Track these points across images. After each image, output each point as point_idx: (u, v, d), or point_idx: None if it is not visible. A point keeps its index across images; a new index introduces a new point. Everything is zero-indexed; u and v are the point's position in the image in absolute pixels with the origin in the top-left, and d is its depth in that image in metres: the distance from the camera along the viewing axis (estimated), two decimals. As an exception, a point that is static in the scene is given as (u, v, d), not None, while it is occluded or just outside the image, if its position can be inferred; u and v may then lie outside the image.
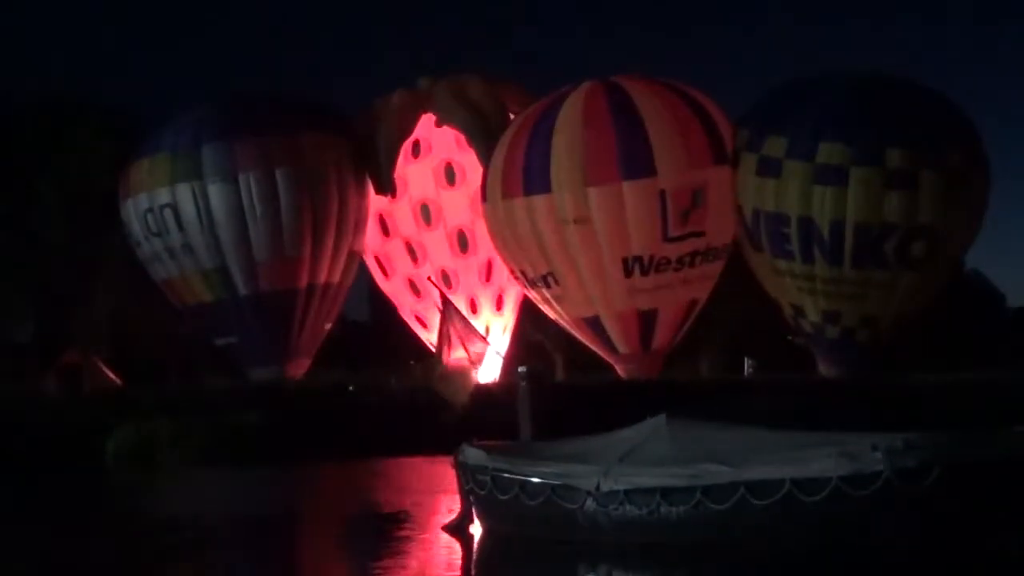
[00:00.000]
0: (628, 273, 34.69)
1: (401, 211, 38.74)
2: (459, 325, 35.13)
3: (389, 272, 39.66)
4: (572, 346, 39.06)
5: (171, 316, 40.53)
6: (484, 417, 29.43)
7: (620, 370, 36.52)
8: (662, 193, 34.25)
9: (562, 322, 37.01)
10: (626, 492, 14.10)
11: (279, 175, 37.30)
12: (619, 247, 34.44)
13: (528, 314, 39.15)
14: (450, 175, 38.34)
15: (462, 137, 37.89)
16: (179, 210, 37.35)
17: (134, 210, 38.30)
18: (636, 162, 34.25)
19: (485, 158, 36.65)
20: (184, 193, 37.28)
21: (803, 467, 13.39)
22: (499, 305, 38.76)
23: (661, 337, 35.89)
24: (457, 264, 38.31)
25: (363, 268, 40.05)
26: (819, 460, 13.37)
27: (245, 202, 37.16)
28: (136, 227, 38.40)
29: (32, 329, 43.82)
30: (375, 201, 38.94)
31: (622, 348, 36.00)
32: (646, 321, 35.50)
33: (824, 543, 13.41)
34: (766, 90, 36.41)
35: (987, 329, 44.39)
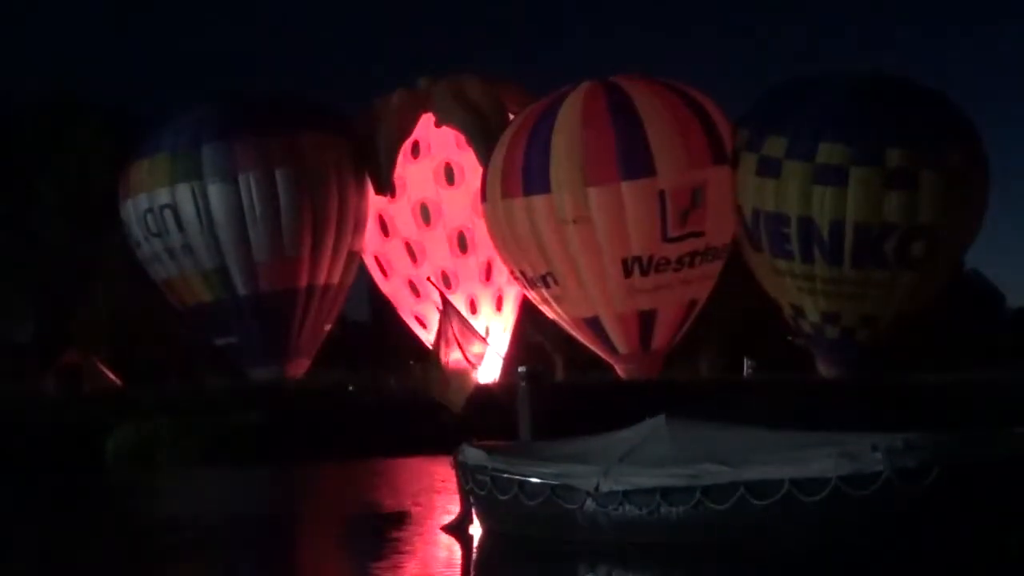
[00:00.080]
0: (628, 273, 34.69)
1: (401, 211, 38.74)
2: (458, 326, 35.12)
3: (389, 272, 39.66)
4: (572, 346, 39.06)
5: (171, 316, 40.53)
6: (484, 417, 29.45)
7: (620, 370, 36.53)
8: (661, 193, 34.26)
9: (561, 322, 37.02)
10: (626, 492, 14.10)
11: (279, 175, 37.30)
12: (619, 247, 34.45)
13: (528, 314, 39.15)
14: (449, 175, 38.34)
15: (461, 137, 37.89)
16: (179, 210, 37.35)
17: (134, 210, 38.31)
18: (635, 162, 34.26)
19: (484, 158, 36.65)
20: (184, 193, 37.28)
21: (803, 467, 13.39)
22: (499, 305, 38.76)
23: (661, 337, 35.89)
24: (457, 264, 38.30)
25: (363, 268, 40.06)
26: (819, 460, 13.37)
27: (245, 202, 37.16)
28: (136, 227, 38.40)
29: (32, 329, 43.83)
30: (375, 201, 38.94)
31: (622, 348, 36.01)
32: (646, 321, 35.51)
33: (824, 543, 13.41)
34: (766, 90, 36.42)
35: (987, 329, 44.39)
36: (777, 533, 13.47)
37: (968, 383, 31.86)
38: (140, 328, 42.82)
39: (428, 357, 35.81)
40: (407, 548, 15.66)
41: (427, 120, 38.56)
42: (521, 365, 30.86)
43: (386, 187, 38.44)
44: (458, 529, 16.02)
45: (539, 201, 34.72)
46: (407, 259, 38.90)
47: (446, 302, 35.94)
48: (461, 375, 34.03)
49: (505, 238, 35.93)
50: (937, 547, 13.32)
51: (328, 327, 39.46)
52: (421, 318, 39.05)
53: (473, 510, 15.89)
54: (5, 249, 42.53)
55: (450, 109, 38.03)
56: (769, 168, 33.79)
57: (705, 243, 35.02)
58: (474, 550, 15.40)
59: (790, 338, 37.12)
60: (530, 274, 35.84)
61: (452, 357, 34.68)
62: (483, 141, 37.08)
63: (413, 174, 38.53)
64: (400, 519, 18.25)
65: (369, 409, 32.05)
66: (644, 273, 34.68)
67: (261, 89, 41.17)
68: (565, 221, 34.50)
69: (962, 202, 33.84)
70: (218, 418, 31.20)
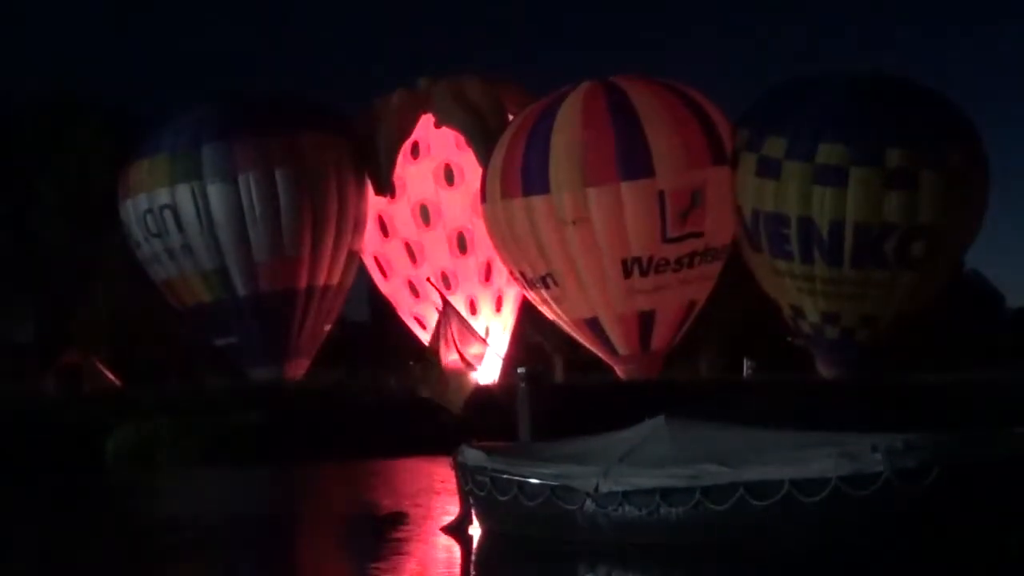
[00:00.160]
0: (627, 274, 34.69)
1: (400, 212, 38.74)
2: (457, 327, 35.10)
3: (388, 273, 39.66)
4: (571, 347, 39.06)
5: (171, 316, 40.52)
6: (483, 418, 29.44)
7: (619, 371, 36.52)
8: (661, 194, 34.25)
9: (561, 323, 37.01)
10: (625, 493, 14.10)
11: (278, 175, 37.30)
12: (618, 248, 34.45)
13: (527, 315, 39.14)
14: (449, 176, 38.34)
15: (461, 138, 37.89)
16: (178, 211, 37.34)
17: (133, 211, 38.31)
18: (635, 162, 34.26)
19: (484, 159, 36.65)
20: (183, 194, 37.28)
21: (803, 467, 13.39)
22: (498, 306, 38.76)
23: (660, 338, 35.89)
24: (456, 265, 38.30)
25: (362, 269, 40.06)
26: (819, 460, 13.38)
27: (244, 203, 37.16)
28: (136, 228, 38.41)
29: (32, 329, 43.82)
30: (374, 202, 38.94)
31: (621, 349, 36.00)
32: (645, 322, 35.50)
33: (824, 543, 13.41)
34: (765, 90, 36.41)
35: (987, 329, 44.40)
36: (777, 533, 13.47)
37: (968, 383, 31.85)
38: (140, 328, 42.82)
39: (425, 356, 35.78)
40: (406, 549, 15.66)
41: (427, 120, 38.56)
42: (521, 366, 30.87)
43: (386, 187, 38.44)
44: (458, 530, 16.02)
45: (538, 201, 34.72)
46: (407, 259, 38.90)
47: (446, 303, 35.92)
48: (460, 376, 34.00)
49: (504, 239, 35.93)
50: (937, 547, 13.33)
51: (328, 327, 39.45)
52: (420, 319, 39.04)
53: (473, 511, 15.89)
54: (5, 249, 42.54)
55: (450, 109, 38.03)
56: (769, 168, 33.79)
57: (705, 244, 35.01)
58: (474, 551, 15.40)
59: (790, 338, 37.12)
60: (529, 275, 35.84)
61: (451, 358, 34.65)
62: (483, 141, 37.08)
63: (413, 174, 38.54)
64: (399, 520, 18.25)
65: (369, 409, 32.05)
66: (644, 274, 34.68)
67: (261, 89, 41.22)
68: (564, 222, 34.50)
69: (962, 202, 33.83)
70: (218, 418, 31.20)
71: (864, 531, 13.32)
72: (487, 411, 30.37)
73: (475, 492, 15.61)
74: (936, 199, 33.19)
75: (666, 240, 34.50)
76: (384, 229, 39.16)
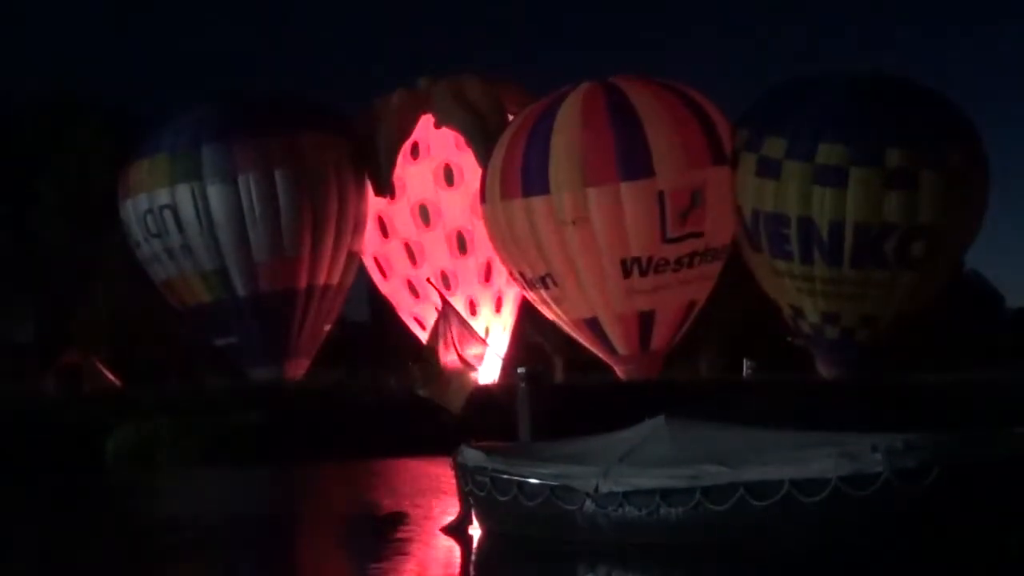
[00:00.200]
0: (627, 274, 34.69)
1: (400, 212, 38.73)
2: (456, 327, 35.07)
3: (388, 273, 39.66)
4: (571, 347, 39.04)
5: (171, 316, 40.51)
6: (483, 418, 29.42)
7: (619, 371, 36.51)
8: (660, 194, 34.25)
9: (561, 323, 37.01)
10: (625, 493, 14.10)
11: (278, 176, 37.30)
12: (618, 248, 34.44)
13: (527, 315, 39.14)
14: (449, 176, 38.33)
15: (461, 138, 37.88)
16: (178, 211, 37.34)
17: (133, 211, 38.31)
18: (634, 163, 34.26)
19: (484, 159, 36.65)
20: (183, 194, 37.28)
21: (802, 468, 13.39)
22: (498, 306, 38.75)
23: (660, 338, 35.89)
24: (456, 265, 38.29)
25: (362, 269, 40.06)
26: (819, 461, 13.38)
27: (244, 203, 37.16)
28: (135, 228, 38.41)
29: (32, 329, 43.81)
30: (374, 202, 38.94)
31: (621, 349, 36.00)
32: (645, 322, 35.50)
33: (824, 544, 13.42)
34: (765, 90, 36.41)
35: (987, 329, 44.39)
36: (777, 534, 13.47)
37: (968, 383, 31.84)
38: (140, 328, 42.81)
39: (423, 356, 35.72)
40: (406, 549, 15.66)
41: (427, 121, 38.56)
42: (520, 366, 30.83)
43: (386, 188, 38.44)
44: (458, 530, 16.02)
45: (538, 202, 34.71)
46: (406, 260, 38.89)
47: (445, 302, 35.89)
48: (460, 376, 33.97)
49: (504, 239, 35.93)
50: (937, 547, 13.33)
51: (328, 327, 39.45)
52: (420, 319, 39.02)
53: (472, 511, 15.89)
54: (5, 249, 42.52)
55: (449, 110, 38.03)
56: (769, 169, 33.79)
57: (704, 244, 35.01)
58: (473, 551, 15.41)
59: (790, 338, 37.12)
60: (529, 275, 35.84)
61: (450, 358, 34.61)
62: (482, 142, 37.08)
63: (412, 175, 38.53)
64: (399, 520, 18.25)
65: (369, 409, 32.03)
66: (643, 274, 34.67)
67: (261, 89, 41.15)
68: (564, 222, 34.50)
69: (962, 202, 33.84)
70: (218, 418, 31.19)
71: (864, 531, 13.32)
72: (487, 411, 30.31)
73: (475, 492, 15.61)
74: (936, 199, 33.19)
75: (666, 240, 34.50)
76: (384, 229, 39.15)
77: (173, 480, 28.04)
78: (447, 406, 31.77)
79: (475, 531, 15.95)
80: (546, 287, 35.65)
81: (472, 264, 38.25)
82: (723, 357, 41.17)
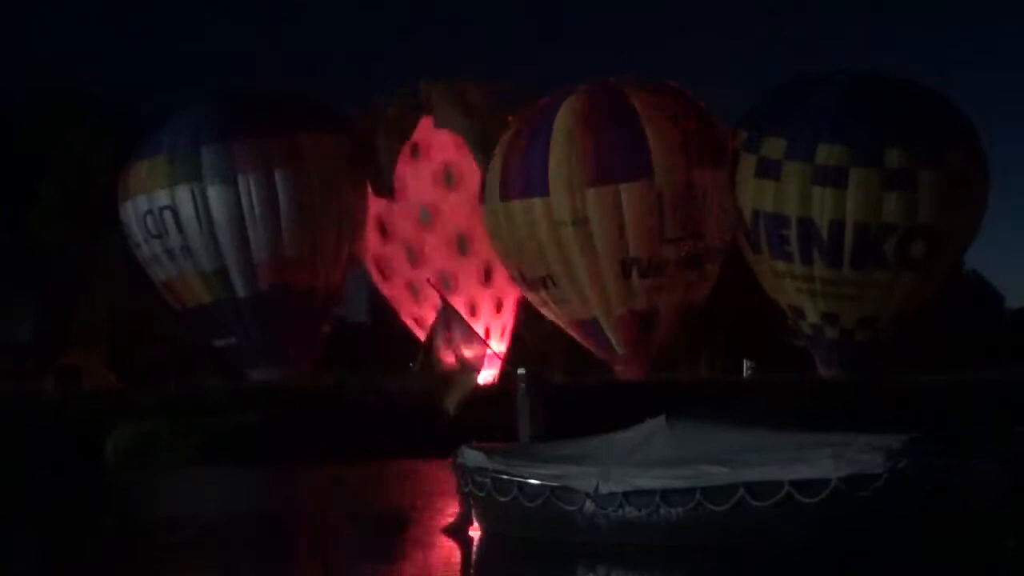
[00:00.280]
0: (626, 275, 34.70)
1: (400, 213, 38.72)
2: (457, 327, 35.11)
3: (388, 274, 39.64)
4: (571, 348, 39.03)
5: (171, 316, 40.50)
6: (483, 419, 29.42)
7: (619, 372, 36.50)
8: (660, 195, 34.27)
9: (561, 324, 37.02)
10: (625, 494, 14.11)
11: (278, 176, 37.30)
12: (617, 249, 34.45)
13: (527, 316, 39.13)
14: (449, 178, 38.32)
15: (461, 140, 37.89)
16: (178, 212, 37.34)
17: (133, 212, 38.30)
18: (634, 164, 34.27)
19: (483, 161, 36.67)
20: (183, 195, 37.28)
21: (802, 468, 13.40)
22: (498, 307, 38.73)
23: (659, 338, 35.90)
24: (456, 266, 38.27)
25: (362, 269, 40.04)
26: (818, 461, 13.38)
27: (244, 204, 37.16)
28: (135, 229, 38.40)
29: (32, 329, 43.77)
30: (374, 203, 38.93)
31: (621, 350, 36.00)
32: (645, 323, 35.51)
33: (823, 544, 13.42)
34: (765, 91, 36.44)
35: (987, 329, 44.35)
36: (777, 534, 13.47)
37: (968, 383, 31.82)
38: (140, 328, 42.76)
39: (421, 356, 35.77)
40: (406, 549, 15.68)
41: (427, 122, 38.54)
42: (520, 367, 30.83)
43: (386, 189, 38.44)
44: (458, 531, 16.01)
45: (538, 203, 34.73)
46: (406, 261, 38.87)
47: (445, 303, 35.94)
48: (460, 376, 34.01)
49: (504, 240, 35.94)
50: (936, 547, 13.33)
51: (327, 328, 39.43)
52: (420, 320, 39.03)
53: (472, 512, 15.89)
54: (5, 249, 42.49)
55: (449, 112, 38.04)
56: (768, 169, 33.80)
57: (704, 244, 35.02)
58: (473, 552, 15.41)
59: (790, 339, 37.11)
60: (529, 276, 35.85)
61: (450, 359, 34.66)
62: (481, 145, 37.10)
63: (412, 176, 38.51)
64: (399, 520, 18.25)
65: (369, 410, 32.01)
66: (643, 275, 34.68)
67: (261, 89, 41.05)
68: (564, 223, 34.51)
69: (962, 202, 33.86)
70: (217, 418, 31.17)
71: (864, 532, 13.33)
72: (487, 412, 30.35)
73: (475, 493, 15.61)
74: (936, 199, 33.21)
75: (665, 241, 34.51)
76: (384, 231, 39.13)
77: (172, 480, 28.02)
78: (447, 406, 31.86)
79: (475, 532, 15.94)
80: (546, 288, 35.66)
81: (472, 265, 38.22)
82: (723, 357, 41.14)
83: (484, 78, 39.41)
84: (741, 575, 13.59)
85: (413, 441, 29.41)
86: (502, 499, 15.10)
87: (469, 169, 37.62)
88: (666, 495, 13.89)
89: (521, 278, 36.29)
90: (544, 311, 36.96)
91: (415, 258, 38.65)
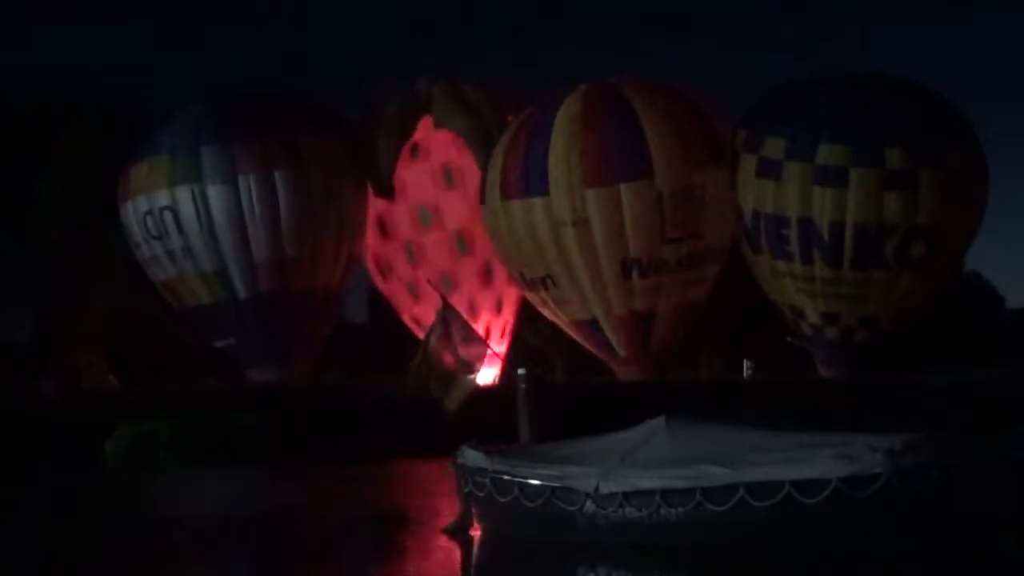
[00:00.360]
0: (626, 275, 34.70)
1: (400, 213, 38.72)
2: (457, 327, 35.07)
3: (388, 274, 39.64)
4: (571, 348, 39.05)
5: (170, 317, 40.51)
6: (483, 419, 29.41)
7: (619, 372, 36.51)
8: (660, 195, 34.27)
9: (560, 324, 37.02)
10: (625, 494, 14.10)
11: (278, 177, 37.30)
12: (617, 249, 34.46)
13: (527, 316, 39.13)
14: (449, 177, 38.32)
15: (461, 140, 37.88)
16: (178, 212, 37.35)
17: (133, 213, 38.31)
18: (634, 164, 34.28)
19: (483, 161, 36.66)
20: (183, 195, 37.28)
21: (802, 468, 13.39)
22: (498, 307, 38.74)
23: (659, 339, 35.89)
24: (456, 266, 38.27)
25: (362, 270, 40.04)
26: (819, 461, 13.38)
27: (244, 204, 37.16)
28: (135, 230, 38.40)
29: (32, 329, 43.78)
30: (374, 203, 38.93)
31: (621, 350, 36.00)
32: (644, 323, 35.51)
33: (824, 545, 13.41)
34: (765, 90, 36.43)
35: (987, 329, 44.37)
36: (777, 534, 13.47)
37: (968, 383, 31.85)
38: (140, 328, 42.79)
39: (419, 357, 35.73)
40: (407, 549, 15.66)
41: (427, 122, 38.55)
42: (520, 367, 30.83)
43: (385, 189, 38.44)
44: (458, 531, 16.00)
45: (538, 203, 34.74)
46: (406, 261, 38.87)
47: (445, 303, 35.89)
48: (460, 376, 33.97)
49: (504, 240, 35.94)
50: (937, 548, 13.32)
51: (327, 329, 39.43)
52: (420, 320, 39.00)
53: (473, 512, 15.88)
54: (5, 249, 42.49)
55: (449, 112, 38.05)
56: (769, 169, 33.79)
57: (704, 245, 35.02)
58: (473, 552, 15.40)
59: (789, 340, 37.11)
60: (529, 276, 35.84)
61: (451, 359, 34.60)
62: (481, 144, 37.09)
63: (412, 176, 38.52)
64: (400, 521, 18.24)
65: (368, 410, 32.01)
66: (643, 275, 34.68)
67: (261, 89, 41.04)
68: (564, 223, 34.52)
69: (962, 202, 33.86)
70: (218, 418, 31.17)
71: (864, 532, 13.32)
72: (487, 412, 30.35)
73: (475, 493, 15.59)
74: (936, 199, 33.21)
75: (665, 241, 34.52)
76: (384, 230, 39.13)
77: (172, 480, 28.02)
78: (446, 406, 31.84)
79: (475, 532, 15.93)
80: (546, 288, 35.66)
81: (472, 265, 38.22)
82: (723, 357, 41.15)
83: (484, 78, 39.45)
84: (741, 575, 13.58)
85: (413, 441, 29.41)
86: (502, 499, 15.09)
87: (469, 169, 37.62)
88: (666, 495, 13.88)
89: (521, 278, 36.29)
90: (544, 311, 36.96)
91: (415, 258, 38.65)
